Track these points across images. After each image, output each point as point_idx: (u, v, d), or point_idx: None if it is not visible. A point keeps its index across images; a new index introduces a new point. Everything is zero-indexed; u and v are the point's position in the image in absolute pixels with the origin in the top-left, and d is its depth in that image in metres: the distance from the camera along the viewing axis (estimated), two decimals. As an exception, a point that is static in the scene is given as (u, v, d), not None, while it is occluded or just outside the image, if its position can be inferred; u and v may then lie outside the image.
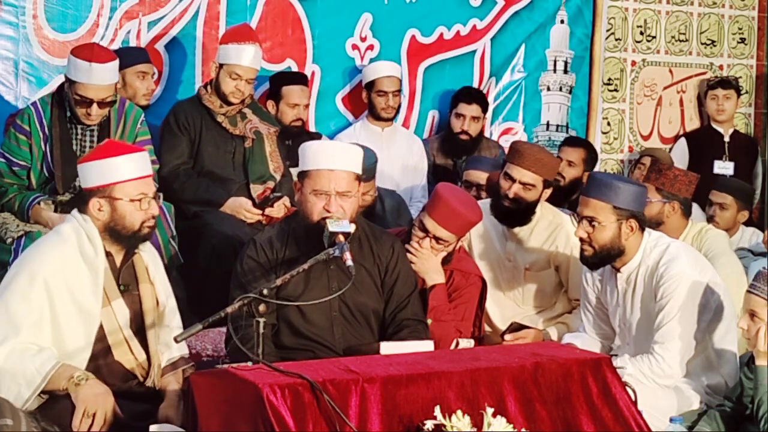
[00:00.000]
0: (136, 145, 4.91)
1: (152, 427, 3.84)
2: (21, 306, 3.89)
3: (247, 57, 5.70)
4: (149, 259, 4.23)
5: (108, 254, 4.09)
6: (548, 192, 5.32)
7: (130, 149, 4.24)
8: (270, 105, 6.33)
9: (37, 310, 3.90)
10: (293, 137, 6.13)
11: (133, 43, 6.18)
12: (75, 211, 4.13)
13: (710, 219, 6.25)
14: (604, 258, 4.53)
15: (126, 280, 4.13)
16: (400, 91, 6.74)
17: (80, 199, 4.15)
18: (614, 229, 4.47)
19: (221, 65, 5.73)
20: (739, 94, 7.63)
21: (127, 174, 4.05)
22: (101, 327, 4.02)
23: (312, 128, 6.61)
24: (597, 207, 4.48)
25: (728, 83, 7.60)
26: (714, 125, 7.63)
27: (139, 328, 4.13)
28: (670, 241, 4.60)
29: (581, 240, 4.54)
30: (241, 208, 5.55)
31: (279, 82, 6.38)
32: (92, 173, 4.06)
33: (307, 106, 6.43)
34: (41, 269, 3.94)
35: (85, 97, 5.06)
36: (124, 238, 4.09)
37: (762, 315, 4.00)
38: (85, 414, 3.79)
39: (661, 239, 4.59)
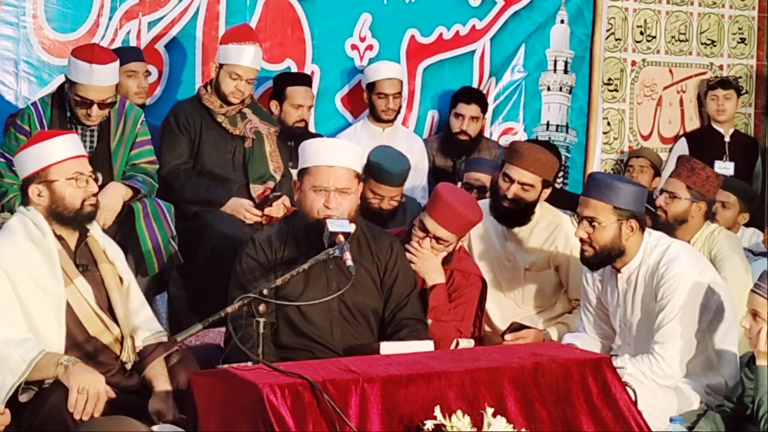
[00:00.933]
0: (67, 130, 4.91)
1: (154, 428, 3.84)
2: None
3: (247, 57, 5.69)
4: (105, 243, 4.28)
5: (60, 238, 4.13)
6: (547, 192, 5.32)
7: (60, 132, 4.30)
8: (273, 105, 6.34)
9: (5, 300, 3.93)
10: (296, 138, 6.12)
11: (133, 43, 6.18)
12: (20, 206, 4.20)
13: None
14: (604, 258, 4.53)
15: (83, 261, 4.17)
16: (400, 92, 6.74)
17: (22, 193, 4.21)
18: (614, 229, 4.47)
19: (221, 65, 5.73)
20: (739, 94, 7.62)
21: (59, 155, 4.11)
22: (70, 306, 4.04)
23: (311, 128, 6.61)
24: (597, 207, 4.48)
25: (728, 83, 7.60)
26: (714, 125, 7.62)
27: (107, 305, 4.15)
28: (670, 242, 4.60)
29: (581, 240, 4.53)
30: (241, 208, 5.55)
31: (284, 82, 6.39)
32: (26, 161, 4.15)
33: (310, 107, 6.43)
34: None
35: (85, 98, 5.07)
36: (68, 219, 4.13)
37: (764, 315, 4.00)
38: (79, 391, 3.76)
39: (661, 239, 4.59)
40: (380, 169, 5.47)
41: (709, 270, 4.61)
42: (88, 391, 3.77)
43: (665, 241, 4.58)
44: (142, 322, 4.23)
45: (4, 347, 3.84)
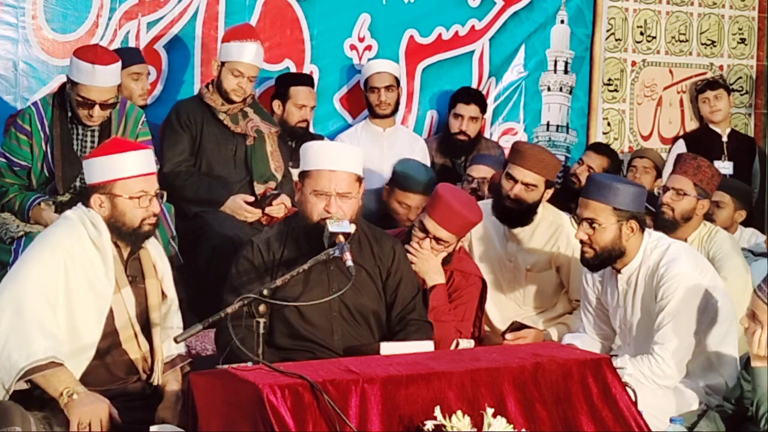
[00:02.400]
0: (140, 143, 4.92)
1: (152, 428, 3.84)
2: (39, 278, 3.91)
3: (249, 54, 5.71)
4: (157, 257, 4.26)
5: (115, 244, 4.12)
6: (550, 192, 5.32)
7: (134, 146, 4.27)
8: (276, 105, 6.34)
9: (53, 289, 3.92)
10: (297, 138, 6.13)
11: (132, 44, 6.18)
12: (79, 204, 4.18)
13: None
14: (604, 259, 4.53)
15: (132, 273, 4.16)
16: (394, 86, 6.68)
17: (84, 196, 4.19)
18: (614, 230, 4.47)
19: (223, 63, 5.74)
20: (729, 92, 7.59)
21: (128, 171, 4.09)
22: (111, 313, 4.04)
23: (309, 128, 6.61)
24: (597, 209, 4.47)
25: (715, 83, 7.58)
26: (711, 126, 7.61)
27: (144, 320, 4.14)
28: (670, 242, 4.59)
29: (582, 242, 4.53)
30: (239, 208, 5.54)
31: (287, 82, 6.39)
32: (95, 169, 4.12)
33: (313, 107, 6.43)
34: (59, 248, 3.98)
35: (87, 98, 5.06)
36: (125, 235, 4.12)
37: (762, 318, 3.97)
38: (79, 425, 3.76)
39: (661, 240, 4.59)
40: (407, 177, 5.56)
41: (709, 271, 4.61)
42: (90, 422, 3.76)
43: (665, 242, 4.57)
44: (167, 346, 4.21)
45: (37, 329, 3.82)
